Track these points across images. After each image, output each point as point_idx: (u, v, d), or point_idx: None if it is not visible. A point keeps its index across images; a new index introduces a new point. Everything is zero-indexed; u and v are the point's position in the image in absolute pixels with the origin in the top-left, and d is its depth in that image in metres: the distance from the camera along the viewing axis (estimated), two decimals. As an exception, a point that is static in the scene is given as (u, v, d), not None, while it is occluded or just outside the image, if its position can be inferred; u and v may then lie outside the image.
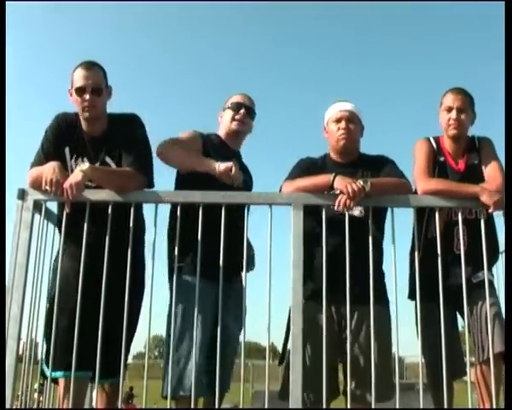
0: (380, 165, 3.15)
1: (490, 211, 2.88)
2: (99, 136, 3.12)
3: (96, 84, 3.06)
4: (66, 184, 2.79)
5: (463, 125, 3.23)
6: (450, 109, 3.22)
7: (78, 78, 3.06)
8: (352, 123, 3.19)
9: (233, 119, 3.33)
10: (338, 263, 2.78)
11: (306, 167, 3.16)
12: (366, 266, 2.81)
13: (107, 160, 3.08)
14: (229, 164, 2.98)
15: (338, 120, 3.18)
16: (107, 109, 3.19)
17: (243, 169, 3.31)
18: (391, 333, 3.00)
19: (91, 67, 3.10)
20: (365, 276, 2.79)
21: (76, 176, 2.83)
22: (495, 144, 3.27)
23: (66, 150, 3.09)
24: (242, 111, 3.33)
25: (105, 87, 3.13)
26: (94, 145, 3.09)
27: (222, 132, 3.39)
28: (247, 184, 3.30)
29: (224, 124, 3.38)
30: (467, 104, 3.24)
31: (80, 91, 3.05)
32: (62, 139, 3.09)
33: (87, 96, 3.03)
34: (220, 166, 2.97)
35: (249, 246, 3.25)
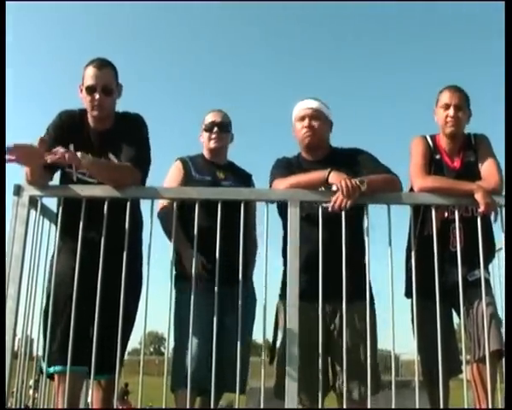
0: (354, 158, 3.14)
1: (479, 210, 2.87)
2: (105, 133, 3.12)
3: (107, 85, 3.06)
4: (67, 153, 2.75)
5: (461, 123, 3.24)
6: (447, 107, 3.23)
7: (89, 76, 3.05)
8: (316, 120, 3.17)
9: (209, 139, 3.55)
10: (322, 260, 2.78)
11: (286, 166, 3.18)
12: (349, 262, 2.79)
13: (111, 156, 3.07)
14: None
15: (302, 118, 3.18)
16: (115, 108, 3.19)
17: (236, 178, 3.52)
18: (376, 328, 3.00)
19: (103, 66, 3.08)
20: (349, 272, 2.77)
21: (76, 156, 2.80)
22: (495, 144, 3.26)
23: (71, 147, 3.05)
24: (215, 130, 3.53)
25: (115, 87, 3.13)
26: (99, 141, 3.09)
27: (205, 152, 3.62)
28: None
29: (204, 145, 3.61)
30: (463, 102, 3.25)
31: (90, 90, 3.04)
32: (66, 136, 3.07)
33: (96, 96, 3.03)
34: None
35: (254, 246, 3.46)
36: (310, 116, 3.17)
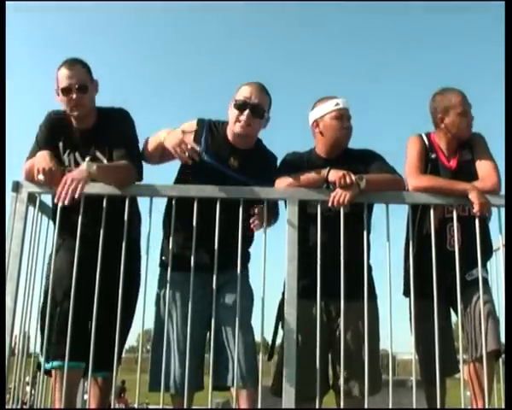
0: (367, 160, 3.12)
1: (474, 211, 2.87)
2: (89, 130, 3.12)
3: (81, 82, 3.05)
4: (69, 179, 2.72)
5: None
6: (465, 113, 3.19)
7: (63, 78, 3.05)
8: (349, 120, 3.16)
9: (237, 120, 3.00)
10: (325, 259, 2.79)
11: (294, 162, 3.14)
12: (353, 260, 2.81)
13: (98, 154, 3.08)
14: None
15: (339, 118, 3.12)
16: (95, 103, 3.18)
17: (253, 168, 3.05)
18: (378, 327, 3.02)
19: (74, 64, 3.08)
20: (353, 271, 2.79)
21: (81, 172, 2.78)
22: (497, 144, 3.26)
23: (60, 145, 3.11)
24: (247, 113, 2.96)
25: (90, 83, 3.12)
26: (84, 140, 3.10)
27: (229, 130, 3.08)
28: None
29: (229, 121, 3.06)
30: None
31: (66, 91, 3.04)
32: (56, 135, 3.11)
33: (73, 96, 3.03)
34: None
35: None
36: (347, 117, 3.14)
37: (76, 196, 2.69)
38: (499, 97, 3.27)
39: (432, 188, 2.96)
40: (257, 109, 2.99)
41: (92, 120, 3.15)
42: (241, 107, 2.98)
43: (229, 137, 3.08)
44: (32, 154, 3.04)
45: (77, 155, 3.08)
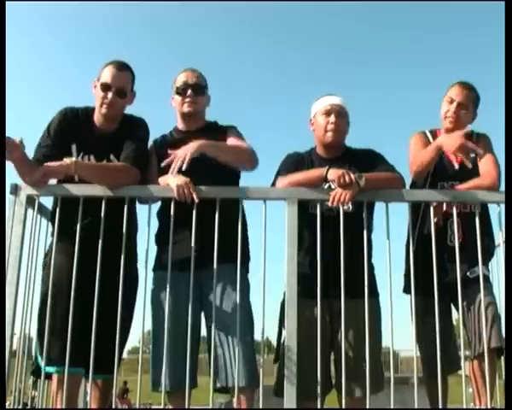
0: (368, 159, 3.10)
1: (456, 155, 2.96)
2: (109, 134, 3.13)
3: (122, 87, 3.09)
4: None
5: (460, 121, 3.20)
6: (451, 101, 3.21)
7: (107, 74, 3.09)
8: (342, 117, 3.13)
9: (182, 103, 3.17)
10: (327, 258, 2.78)
11: (294, 162, 3.14)
12: (355, 259, 2.80)
13: (112, 158, 3.08)
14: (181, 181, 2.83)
15: (327, 113, 3.11)
16: (123, 112, 3.20)
17: (211, 135, 3.12)
18: (380, 326, 3.01)
19: (123, 68, 3.13)
20: (355, 270, 2.78)
21: (61, 163, 2.82)
22: (497, 143, 3.24)
23: (73, 147, 3.09)
24: (189, 93, 3.15)
25: (130, 92, 3.16)
26: (102, 143, 3.10)
27: (178, 119, 3.27)
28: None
29: (177, 110, 3.24)
30: (470, 101, 3.22)
31: (105, 87, 3.07)
32: (69, 135, 3.10)
33: (109, 95, 3.06)
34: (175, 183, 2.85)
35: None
36: (337, 113, 3.10)
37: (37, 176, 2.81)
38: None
39: (420, 165, 3.13)
40: (197, 88, 3.18)
41: (115, 125, 3.16)
42: (183, 90, 3.16)
43: (181, 125, 3.24)
44: (36, 155, 3.04)
45: (92, 158, 3.08)
